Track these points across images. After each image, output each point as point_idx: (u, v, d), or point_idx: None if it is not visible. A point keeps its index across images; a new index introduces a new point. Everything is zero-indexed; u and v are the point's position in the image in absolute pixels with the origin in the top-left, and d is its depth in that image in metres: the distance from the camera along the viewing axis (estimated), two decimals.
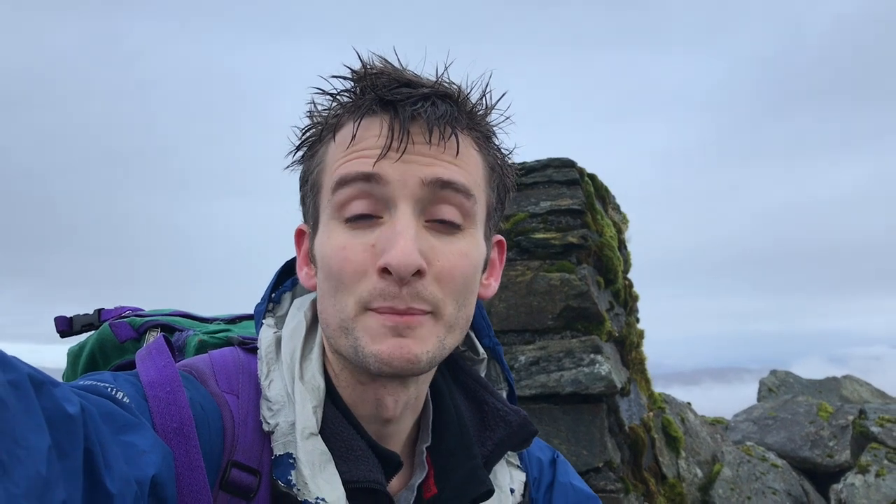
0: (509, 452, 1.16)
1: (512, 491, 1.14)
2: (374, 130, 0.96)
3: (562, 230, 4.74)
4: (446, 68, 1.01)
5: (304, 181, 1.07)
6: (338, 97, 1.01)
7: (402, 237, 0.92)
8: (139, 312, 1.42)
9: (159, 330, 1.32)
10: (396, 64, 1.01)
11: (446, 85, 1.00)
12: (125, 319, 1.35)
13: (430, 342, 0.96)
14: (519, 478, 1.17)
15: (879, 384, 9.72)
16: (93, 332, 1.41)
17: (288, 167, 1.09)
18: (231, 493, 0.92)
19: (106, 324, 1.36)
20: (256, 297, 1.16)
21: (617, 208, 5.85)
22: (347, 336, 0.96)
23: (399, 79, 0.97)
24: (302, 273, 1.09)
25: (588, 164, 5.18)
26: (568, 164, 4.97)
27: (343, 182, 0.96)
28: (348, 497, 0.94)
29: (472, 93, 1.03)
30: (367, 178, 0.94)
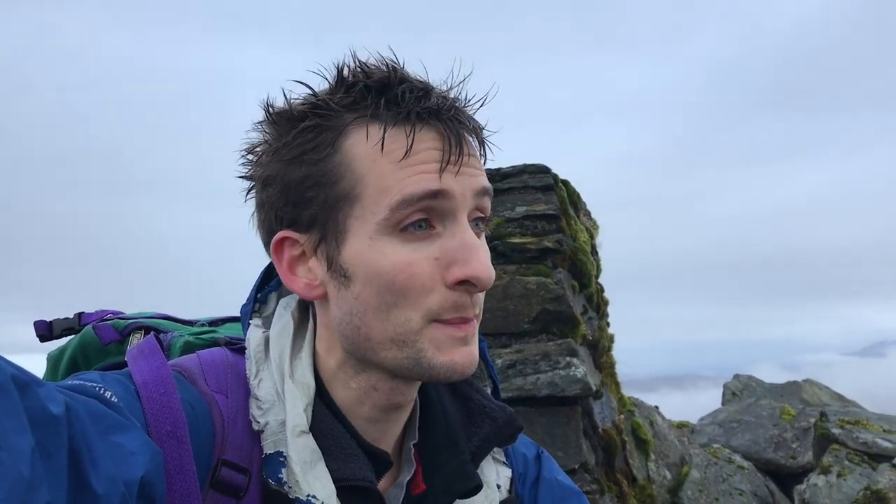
0: (495, 449, 1.16)
1: (498, 487, 1.15)
2: (427, 142, 0.95)
3: (537, 235, 4.78)
4: (467, 78, 1.02)
5: (304, 186, 0.99)
6: (352, 101, 0.98)
7: (479, 250, 0.96)
8: (121, 315, 1.40)
9: (143, 332, 1.31)
10: (392, 64, 0.99)
11: (452, 90, 1.01)
12: (108, 322, 1.34)
13: (476, 343, 1.01)
14: (505, 473, 1.18)
15: (833, 388, 9.96)
16: (73, 336, 1.39)
17: (252, 168, 1.05)
18: (221, 491, 0.92)
19: (88, 327, 1.34)
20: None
21: (588, 214, 5.92)
22: (404, 348, 0.96)
23: (422, 85, 0.98)
24: (298, 284, 1.02)
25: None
26: (543, 169, 5.02)
27: (409, 202, 0.93)
28: (338, 495, 0.94)
29: (462, 88, 1.02)
30: (434, 195, 0.93)
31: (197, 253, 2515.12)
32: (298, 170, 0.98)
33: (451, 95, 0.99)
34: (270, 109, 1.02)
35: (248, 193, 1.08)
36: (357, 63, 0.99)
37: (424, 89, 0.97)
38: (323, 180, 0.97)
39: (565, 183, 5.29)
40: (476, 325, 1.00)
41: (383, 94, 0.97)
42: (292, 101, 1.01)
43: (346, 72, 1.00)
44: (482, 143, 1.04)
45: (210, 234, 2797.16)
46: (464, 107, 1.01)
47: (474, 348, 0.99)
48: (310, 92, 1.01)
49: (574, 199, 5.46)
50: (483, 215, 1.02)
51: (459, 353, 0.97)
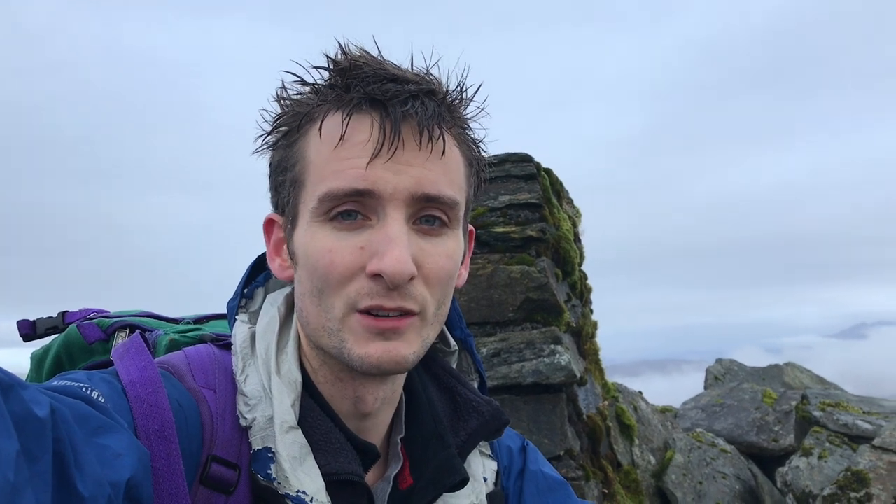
0: (481, 442, 1.17)
1: (485, 480, 1.15)
2: (363, 132, 0.94)
3: (521, 224, 4.79)
4: (435, 64, 1.00)
5: (279, 170, 1.02)
6: (319, 88, 0.99)
7: (396, 245, 0.92)
8: (105, 314, 1.40)
9: (128, 331, 1.31)
10: (375, 54, 0.99)
11: (431, 80, 0.99)
12: (92, 321, 1.33)
13: (415, 343, 0.98)
14: (491, 467, 1.19)
15: (815, 371, 10.07)
16: (57, 335, 1.38)
17: (256, 152, 1.05)
18: (211, 487, 0.92)
19: (73, 326, 1.33)
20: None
21: (571, 202, 5.94)
22: (331, 336, 0.97)
23: (384, 73, 0.95)
24: (275, 264, 1.07)
25: (527, 152, 5.18)
26: (526, 158, 5.03)
27: (335, 196, 0.94)
28: (327, 489, 0.94)
29: (451, 86, 1.01)
30: (360, 193, 0.93)
31: (176, 244, 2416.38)
32: (276, 154, 1.03)
33: (427, 87, 0.97)
34: (277, 95, 1.03)
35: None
36: (339, 50, 0.99)
37: (379, 76, 0.95)
38: (287, 164, 1.01)
39: (548, 171, 5.31)
40: (408, 322, 0.96)
41: (340, 80, 0.97)
42: (280, 92, 1.02)
43: (325, 59, 1.00)
44: (463, 127, 1.03)
45: (189, 225, 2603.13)
46: (445, 100, 0.99)
47: (399, 345, 0.96)
48: (296, 79, 1.02)
49: (557, 187, 5.48)
50: (434, 221, 0.99)
51: (374, 347, 0.95)
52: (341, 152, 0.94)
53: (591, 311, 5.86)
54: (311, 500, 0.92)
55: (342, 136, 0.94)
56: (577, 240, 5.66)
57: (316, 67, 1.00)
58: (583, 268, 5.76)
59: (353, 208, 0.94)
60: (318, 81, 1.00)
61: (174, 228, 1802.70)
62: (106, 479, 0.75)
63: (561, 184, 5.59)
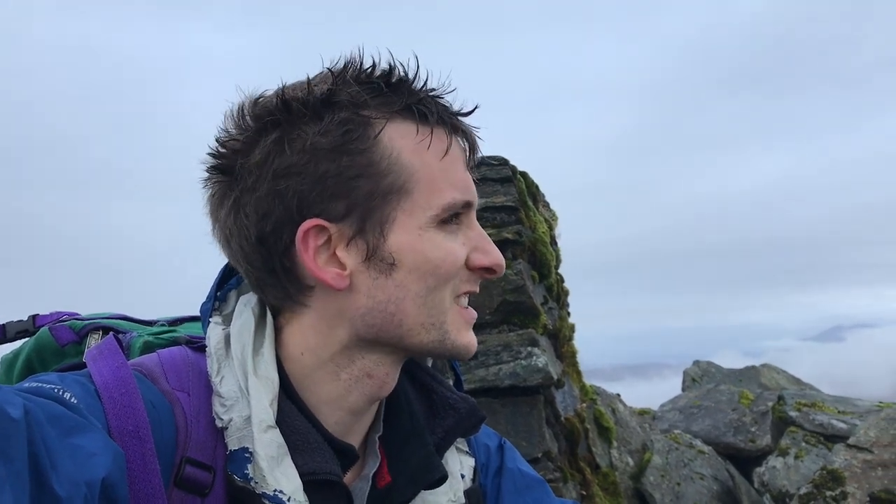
0: (458, 439, 1.17)
1: (462, 476, 1.16)
2: (454, 145, 1.05)
3: (497, 226, 4.82)
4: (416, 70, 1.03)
5: (344, 177, 0.98)
6: (378, 94, 1.00)
7: (490, 241, 1.08)
8: (77, 316, 1.38)
9: (101, 333, 1.29)
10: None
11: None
12: (64, 323, 1.32)
13: None
14: (468, 463, 1.19)
15: (793, 373, 10.18)
16: (27, 338, 1.37)
17: (307, 153, 0.98)
18: (185, 490, 0.91)
19: (44, 328, 1.32)
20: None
21: (547, 205, 5.98)
22: (431, 331, 1.03)
23: (430, 86, 1.04)
24: (330, 274, 1.00)
25: (504, 155, 5.25)
26: (502, 161, 5.06)
27: (457, 205, 1.03)
28: (305, 489, 0.94)
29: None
30: (470, 204, 1.05)
31: (143, 252, 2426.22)
32: (339, 159, 0.97)
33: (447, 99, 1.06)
34: (283, 97, 0.99)
35: (219, 185, 1.04)
36: (372, 59, 1.01)
37: (428, 88, 1.03)
38: (368, 171, 0.98)
39: (524, 174, 5.35)
40: None
41: (411, 93, 1.02)
42: (311, 90, 0.99)
43: (355, 67, 1.01)
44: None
45: (165, 229, 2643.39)
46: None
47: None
48: (326, 84, 1.00)
49: (532, 190, 5.52)
50: None
51: (470, 336, 1.08)
52: (447, 164, 1.03)
53: (569, 313, 5.90)
54: (288, 500, 0.92)
55: (447, 151, 1.03)
56: (554, 242, 5.70)
57: (361, 75, 1.01)
58: (559, 271, 5.80)
59: (460, 213, 1.04)
60: (355, 87, 0.99)
61: (141, 236, 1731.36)
62: (81, 479, 0.75)
63: (537, 187, 5.63)
